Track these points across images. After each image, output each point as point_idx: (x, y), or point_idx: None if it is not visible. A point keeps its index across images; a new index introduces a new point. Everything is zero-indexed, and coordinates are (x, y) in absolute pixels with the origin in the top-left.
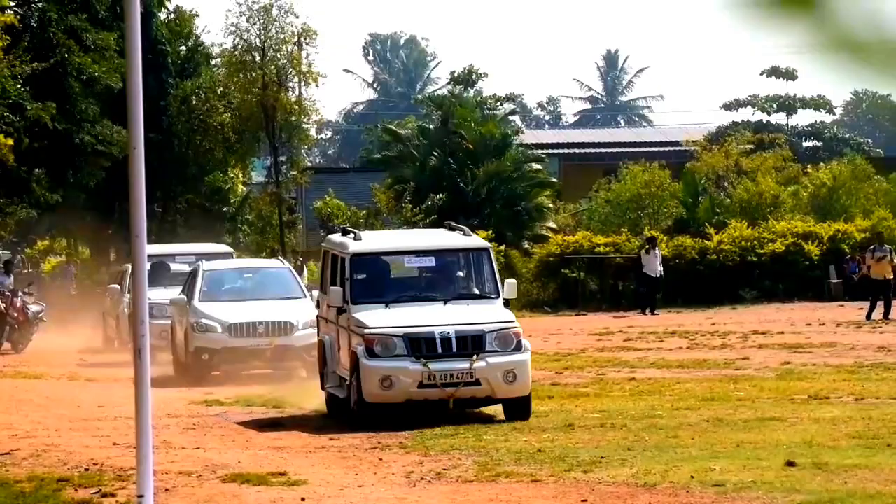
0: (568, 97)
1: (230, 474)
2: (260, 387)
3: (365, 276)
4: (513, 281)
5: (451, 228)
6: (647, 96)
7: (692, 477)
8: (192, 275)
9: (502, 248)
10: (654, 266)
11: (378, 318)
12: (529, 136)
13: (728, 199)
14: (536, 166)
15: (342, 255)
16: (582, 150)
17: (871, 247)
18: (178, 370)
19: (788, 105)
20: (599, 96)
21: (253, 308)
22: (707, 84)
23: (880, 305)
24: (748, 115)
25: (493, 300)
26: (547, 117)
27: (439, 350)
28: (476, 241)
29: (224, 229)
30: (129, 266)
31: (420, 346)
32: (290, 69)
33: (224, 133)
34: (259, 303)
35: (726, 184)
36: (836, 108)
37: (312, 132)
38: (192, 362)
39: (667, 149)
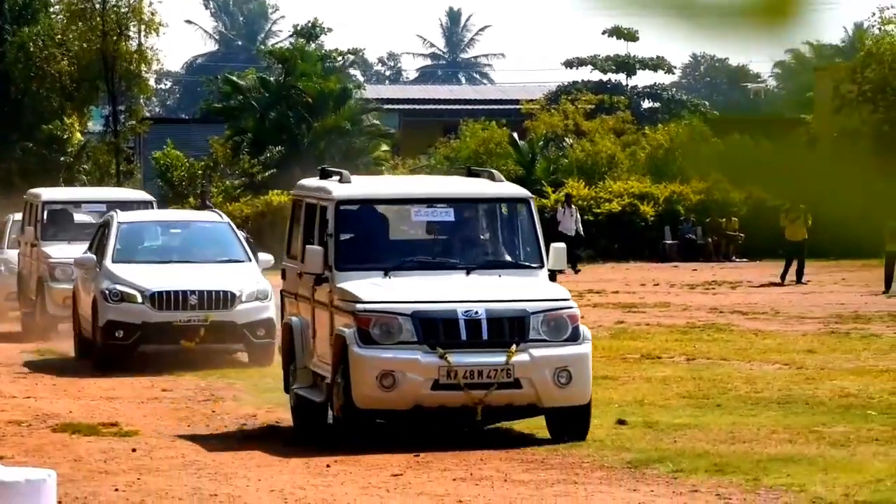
0: (409, 53)
1: (61, 424)
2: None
3: (355, 232)
4: (561, 245)
5: (473, 173)
6: (488, 54)
7: (528, 427)
8: (103, 228)
9: None
10: (570, 224)
11: (375, 290)
12: (371, 92)
13: (566, 159)
14: (375, 120)
15: (322, 204)
16: (422, 107)
17: (786, 207)
18: (81, 349)
19: (628, 65)
20: (441, 53)
21: (182, 273)
22: (548, 43)
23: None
24: (588, 74)
25: (534, 270)
26: (388, 73)
27: (463, 337)
28: (511, 188)
29: (61, 178)
30: (13, 216)
31: (436, 330)
32: (131, 18)
33: (62, 81)
34: (190, 266)
35: (564, 143)
36: (675, 69)
37: (152, 82)
38: (102, 340)
39: (507, 107)
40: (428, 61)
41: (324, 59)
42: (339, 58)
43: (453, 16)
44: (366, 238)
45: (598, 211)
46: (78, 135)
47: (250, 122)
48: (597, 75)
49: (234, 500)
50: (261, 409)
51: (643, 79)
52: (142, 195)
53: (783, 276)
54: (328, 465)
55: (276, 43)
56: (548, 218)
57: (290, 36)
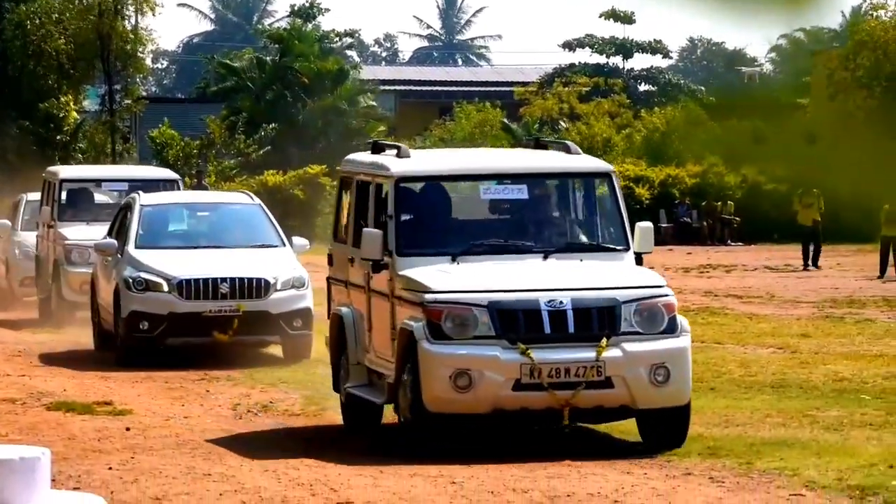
0: (406, 34)
1: (55, 402)
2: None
3: (417, 213)
4: (648, 225)
5: (541, 145)
6: (484, 35)
7: None
8: (125, 210)
9: (335, 183)
10: None
11: (445, 278)
12: (367, 73)
13: None
14: (372, 102)
15: (378, 182)
16: (418, 88)
17: (799, 191)
18: (101, 341)
19: (625, 48)
20: (438, 34)
21: (212, 259)
22: (545, 25)
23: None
24: (585, 56)
25: (619, 253)
26: (384, 54)
27: (547, 330)
28: (590, 161)
29: (57, 157)
30: (26, 196)
31: (516, 323)
32: None
33: (59, 59)
34: (220, 252)
35: (559, 126)
36: (671, 53)
37: (148, 61)
38: (125, 333)
39: (503, 89)
40: (424, 42)
41: (321, 39)
42: (336, 39)
43: None
44: (429, 219)
45: None
46: (74, 114)
47: (246, 102)
48: (594, 58)
49: (228, 480)
50: (254, 389)
51: (640, 62)
52: (167, 173)
53: (806, 262)
54: (324, 446)
55: (273, 23)
56: None
57: (287, 16)
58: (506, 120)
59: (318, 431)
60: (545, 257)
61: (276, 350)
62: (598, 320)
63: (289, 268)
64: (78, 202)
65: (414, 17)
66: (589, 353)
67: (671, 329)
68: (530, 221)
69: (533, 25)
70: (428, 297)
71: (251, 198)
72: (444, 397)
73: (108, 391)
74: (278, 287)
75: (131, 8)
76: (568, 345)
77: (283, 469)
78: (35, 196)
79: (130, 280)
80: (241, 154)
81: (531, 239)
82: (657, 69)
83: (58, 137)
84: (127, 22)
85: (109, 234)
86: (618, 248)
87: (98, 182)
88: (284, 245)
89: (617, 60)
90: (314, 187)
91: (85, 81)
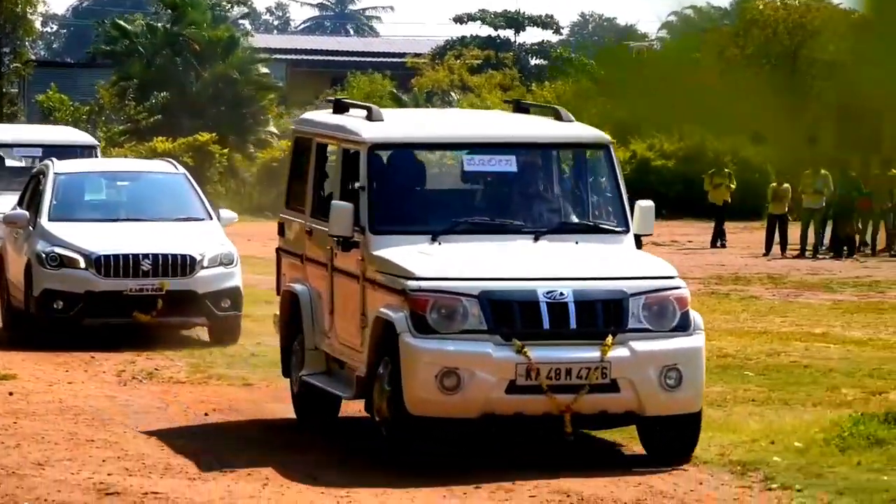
0: (297, 2)
1: None
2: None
3: (393, 185)
4: (649, 204)
5: (522, 108)
6: (376, 6)
7: None
8: (36, 178)
9: (226, 150)
10: None
11: (429, 262)
12: (259, 41)
13: None
14: (263, 70)
15: (346, 147)
16: (310, 57)
17: (710, 171)
18: (10, 321)
19: (517, 22)
20: (329, 3)
21: (133, 233)
22: None
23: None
24: (477, 29)
25: (619, 235)
26: (276, 23)
27: (546, 325)
28: (585, 130)
29: None
30: None
31: (511, 316)
32: None
33: None
34: (142, 225)
35: (450, 98)
36: (563, 28)
37: (37, 24)
38: (37, 312)
39: (394, 60)
40: (316, 12)
41: (213, 7)
42: (229, 6)
43: None
44: (406, 192)
45: None
46: None
47: (136, 67)
48: (485, 31)
49: (111, 446)
50: (140, 356)
51: (531, 36)
52: (85, 138)
53: (714, 241)
54: (206, 414)
55: None
56: None
57: None
58: (395, 90)
59: (202, 398)
60: (536, 239)
61: (201, 332)
62: (602, 315)
63: (216, 243)
64: None
65: None
66: (593, 353)
67: (683, 326)
68: (519, 197)
69: None
70: (411, 283)
71: (175, 167)
72: (428, 399)
73: None
74: (205, 264)
75: None
76: (569, 342)
77: (166, 436)
78: None
79: (43, 255)
80: (130, 120)
81: (520, 217)
82: (548, 43)
83: None
84: None
85: (20, 204)
86: (617, 229)
87: (9, 146)
88: (211, 218)
89: (508, 34)
90: (204, 155)
91: None
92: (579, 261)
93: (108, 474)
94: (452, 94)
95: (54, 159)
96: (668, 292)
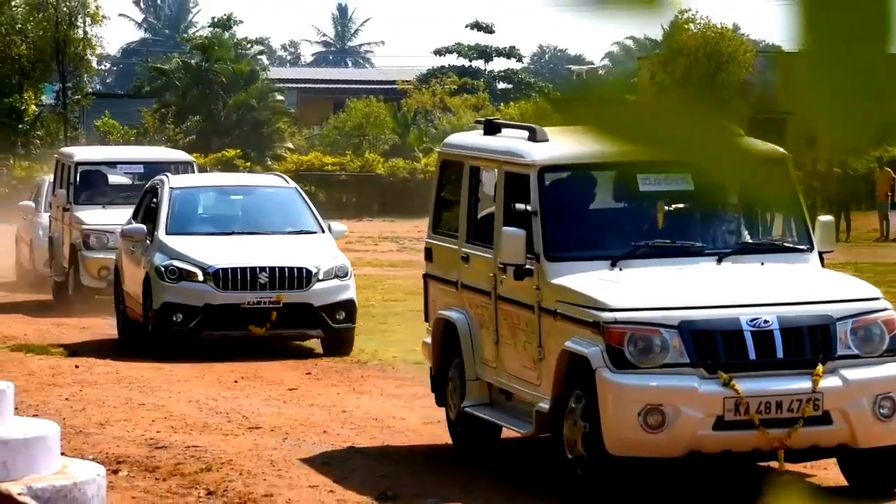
0: (306, 41)
1: (17, 344)
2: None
3: (565, 209)
4: (829, 219)
5: (493, 128)
6: (370, 42)
7: (395, 357)
8: (151, 194)
9: (248, 164)
10: None
11: (619, 290)
12: (274, 73)
13: (434, 130)
14: (279, 97)
15: (508, 169)
16: (316, 86)
17: None
18: (126, 332)
19: (486, 53)
20: (332, 41)
21: (248, 246)
22: (420, 33)
23: None
24: (454, 60)
25: (804, 254)
26: (289, 57)
27: (752, 355)
28: (762, 146)
29: (19, 142)
30: (48, 178)
31: (714, 346)
32: (80, 10)
33: (21, 63)
34: (256, 239)
35: (433, 117)
36: (524, 57)
37: (95, 64)
38: (156, 325)
39: (386, 87)
40: (321, 48)
41: (236, 46)
42: (249, 45)
43: (342, 10)
44: (581, 216)
45: None
46: (33, 107)
47: (174, 98)
48: (461, 61)
49: (159, 409)
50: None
51: (499, 65)
52: (182, 155)
53: None
54: (236, 381)
55: (196, 31)
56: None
57: (209, 26)
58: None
59: (232, 367)
60: (719, 261)
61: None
62: (810, 342)
63: (330, 256)
64: (93, 184)
65: (312, 26)
66: (804, 383)
67: (893, 350)
68: (697, 217)
69: (410, 34)
70: (605, 315)
71: (286, 180)
72: (630, 438)
73: (61, 335)
74: (320, 276)
75: (80, 19)
76: (777, 372)
77: (203, 400)
78: None
79: (163, 269)
80: (170, 140)
81: (701, 239)
82: (513, 70)
83: (19, 126)
84: (80, 31)
85: (134, 218)
86: (801, 247)
87: (113, 164)
88: (324, 231)
89: (479, 63)
90: (230, 168)
91: (43, 80)
92: (777, 284)
93: (157, 432)
94: (436, 113)
95: (169, 174)
96: (876, 315)
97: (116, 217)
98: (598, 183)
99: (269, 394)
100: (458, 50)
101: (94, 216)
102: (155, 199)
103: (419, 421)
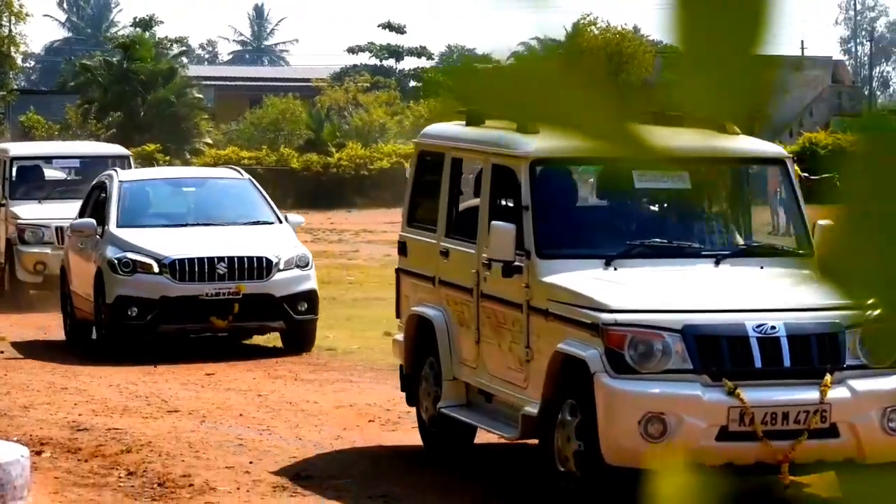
0: (224, 39)
1: None
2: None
3: (557, 204)
4: (829, 223)
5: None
6: (286, 41)
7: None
8: (99, 189)
9: (167, 158)
10: None
11: (618, 291)
12: (193, 70)
13: (347, 126)
14: (197, 94)
15: (496, 162)
16: (233, 84)
17: None
18: (73, 332)
19: (398, 53)
20: (248, 40)
21: (205, 237)
22: (334, 32)
23: None
24: (366, 59)
25: (804, 258)
26: (206, 56)
27: (758, 363)
28: (763, 145)
29: None
30: None
31: (719, 352)
32: (4, 9)
33: None
34: (212, 229)
35: (346, 113)
36: (434, 56)
37: (19, 61)
38: (110, 320)
39: (301, 84)
40: (238, 46)
41: (157, 45)
42: (169, 44)
43: (258, 10)
44: (573, 212)
45: (372, 167)
46: None
47: (97, 94)
48: (373, 60)
49: (81, 393)
50: None
51: (409, 63)
52: (118, 149)
53: None
54: (155, 366)
55: (118, 30)
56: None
57: (131, 26)
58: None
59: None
60: (717, 263)
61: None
62: (818, 350)
63: (290, 245)
64: (29, 179)
65: (229, 26)
66: (811, 394)
67: None
68: (694, 217)
69: (324, 33)
70: (605, 316)
71: (240, 173)
72: (629, 447)
73: None
74: (281, 266)
75: (5, 18)
76: (783, 382)
77: (124, 384)
78: None
79: (116, 261)
80: (92, 135)
81: (698, 239)
82: (422, 69)
83: None
84: (4, 29)
85: (81, 215)
86: (801, 251)
87: (49, 159)
88: (281, 222)
89: (391, 62)
90: (150, 162)
91: None
92: (783, 289)
93: (80, 415)
94: (349, 109)
95: (118, 169)
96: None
97: (52, 212)
98: (590, 176)
99: (187, 378)
100: (371, 49)
101: (30, 211)
102: (103, 194)
103: (331, 405)
